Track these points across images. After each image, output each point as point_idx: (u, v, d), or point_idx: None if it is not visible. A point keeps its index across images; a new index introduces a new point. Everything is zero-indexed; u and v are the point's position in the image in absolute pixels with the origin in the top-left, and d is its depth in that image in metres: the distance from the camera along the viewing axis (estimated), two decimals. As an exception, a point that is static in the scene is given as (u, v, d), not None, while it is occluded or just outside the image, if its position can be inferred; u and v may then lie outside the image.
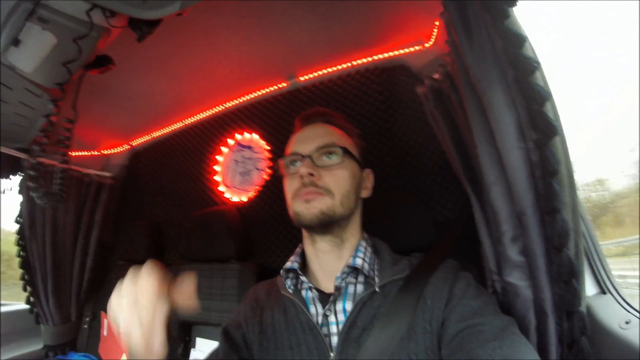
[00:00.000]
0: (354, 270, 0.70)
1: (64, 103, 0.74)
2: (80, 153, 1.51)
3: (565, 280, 0.57)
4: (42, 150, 0.68)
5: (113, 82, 1.12)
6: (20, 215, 1.40)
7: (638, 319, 0.62)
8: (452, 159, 0.84)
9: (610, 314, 0.66)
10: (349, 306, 0.67)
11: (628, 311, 0.66)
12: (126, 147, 1.65)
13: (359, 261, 0.69)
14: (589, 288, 0.72)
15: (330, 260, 0.73)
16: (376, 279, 0.68)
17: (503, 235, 0.65)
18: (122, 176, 1.68)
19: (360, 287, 0.69)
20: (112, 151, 1.63)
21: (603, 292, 0.73)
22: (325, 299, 0.69)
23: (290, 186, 0.74)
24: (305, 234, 0.76)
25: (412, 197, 0.93)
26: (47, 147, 0.71)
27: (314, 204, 0.69)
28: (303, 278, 0.72)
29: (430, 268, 0.69)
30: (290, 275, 0.75)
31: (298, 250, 0.80)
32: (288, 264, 0.75)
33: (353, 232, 0.75)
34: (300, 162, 0.74)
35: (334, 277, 0.69)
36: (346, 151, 0.74)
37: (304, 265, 0.77)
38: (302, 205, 0.70)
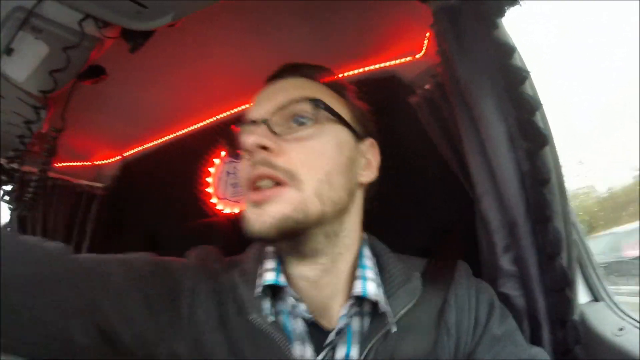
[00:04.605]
0: (358, 297, 0.49)
1: (57, 112, 0.73)
2: (71, 163, 1.49)
3: (559, 289, 0.58)
4: (17, 156, 0.68)
5: (107, 92, 1.11)
6: (9, 225, 1.37)
7: (632, 326, 0.62)
8: (454, 167, 0.84)
9: (604, 321, 0.66)
10: (354, 352, 0.47)
11: (622, 318, 0.66)
12: (118, 157, 1.63)
13: (371, 288, 0.48)
14: (582, 296, 0.72)
15: (320, 290, 0.50)
16: (387, 308, 0.48)
17: (495, 245, 0.65)
18: (114, 187, 1.66)
19: (367, 321, 0.49)
20: (104, 162, 1.62)
21: (596, 300, 0.73)
22: (317, 335, 0.48)
23: (242, 174, 0.49)
24: None
25: (406, 206, 0.93)
26: (30, 156, 0.70)
27: (267, 208, 0.44)
28: (301, 305, 0.48)
29: (445, 282, 0.54)
30: (268, 292, 0.49)
31: (271, 248, 0.53)
32: (268, 277, 0.49)
33: (348, 242, 0.52)
34: None
35: (329, 304, 0.50)
36: (327, 108, 0.49)
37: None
38: (250, 210, 0.46)
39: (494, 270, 0.66)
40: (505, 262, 0.64)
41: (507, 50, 0.58)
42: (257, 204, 0.45)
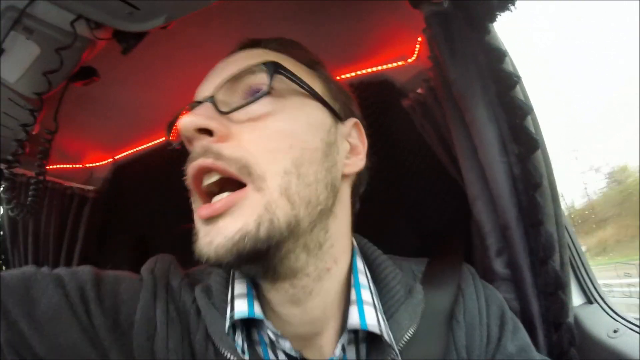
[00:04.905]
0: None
1: (49, 114, 0.72)
2: (63, 166, 1.48)
3: (552, 292, 0.58)
4: (17, 160, 0.67)
5: (99, 94, 1.11)
6: (0, 228, 1.36)
7: (626, 328, 0.63)
8: (449, 169, 0.84)
9: (598, 323, 0.66)
10: None
11: (616, 320, 0.67)
12: (110, 160, 1.62)
13: (370, 317, 0.39)
14: (576, 298, 0.73)
15: (305, 316, 0.40)
16: (390, 338, 0.39)
17: (488, 248, 0.65)
18: (106, 190, 1.65)
19: (363, 350, 0.41)
20: (96, 164, 1.61)
21: (590, 302, 0.73)
22: None
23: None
24: None
25: (403, 208, 0.93)
26: (23, 158, 0.69)
27: (220, 224, 0.34)
28: (285, 342, 0.38)
29: (450, 291, 0.48)
30: (241, 326, 0.39)
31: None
32: (239, 308, 0.38)
33: (336, 253, 0.41)
34: None
35: (318, 333, 0.41)
36: (292, 76, 0.38)
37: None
38: (200, 228, 0.37)
39: (487, 273, 0.66)
40: (499, 265, 0.64)
41: (498, 55, 0.59)
42: (208, 220, 0.35)
